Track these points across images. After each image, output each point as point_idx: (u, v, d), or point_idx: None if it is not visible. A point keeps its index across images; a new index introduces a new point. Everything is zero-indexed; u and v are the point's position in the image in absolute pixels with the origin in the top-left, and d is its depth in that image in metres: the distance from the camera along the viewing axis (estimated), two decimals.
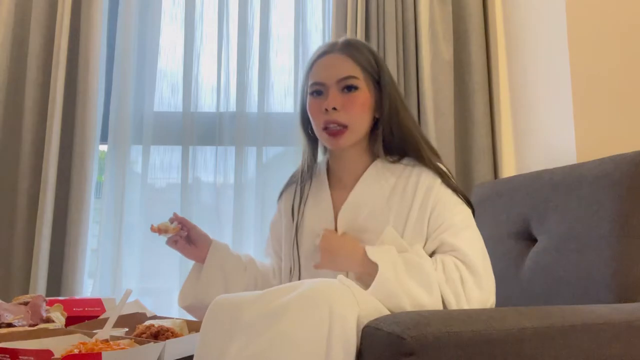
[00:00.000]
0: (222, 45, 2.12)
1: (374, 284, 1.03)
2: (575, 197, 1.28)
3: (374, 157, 1.25)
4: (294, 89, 2.12)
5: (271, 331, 0.88)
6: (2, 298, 1.41)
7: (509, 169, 1.92)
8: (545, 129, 1.66)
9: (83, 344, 1.07)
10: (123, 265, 1.99)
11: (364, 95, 1.19)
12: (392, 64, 1.97)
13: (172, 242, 1.30)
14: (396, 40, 2.01)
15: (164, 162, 2.11)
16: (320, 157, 1.33)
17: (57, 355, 1.02)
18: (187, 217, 1.34)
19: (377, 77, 1.22)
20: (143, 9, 2.13)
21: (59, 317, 1.34)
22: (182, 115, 2.09)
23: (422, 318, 0.86)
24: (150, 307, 1.53)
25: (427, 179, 1.17)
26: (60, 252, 1.94)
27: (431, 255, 1.12)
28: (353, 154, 1.24)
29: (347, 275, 1.14)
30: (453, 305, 1.04)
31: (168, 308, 1.95)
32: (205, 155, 2.11)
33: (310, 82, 1.22)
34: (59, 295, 1.88)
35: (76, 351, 1.02)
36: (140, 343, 1.11)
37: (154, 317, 1.40)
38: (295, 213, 1.28)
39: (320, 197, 1.26)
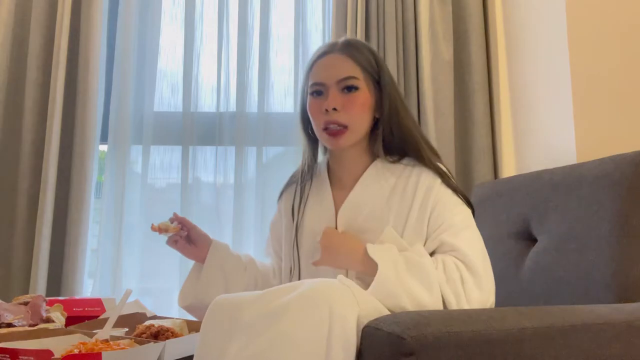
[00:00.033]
0: (222, 45, 2.12)
1: (374, 282, 1.03)
2: (575, 197, 1.27)
3: (374, 157, 1.24)
4: (294, 89, 2.12)
5: (271, 331, 0.88)
6: (2, 298, 1.41)
7: (509, 169, 1.92)
8: (545, 129, 1.66)
9: (83, 344, 1.07)
10: (123, 265, 1.99)
11: (364, 96, 1.19)
12: (392, 64, 1.97)
13: (172, 242, 1.31)
14: (396, 40, 2.01)
15: (164, 162, 2.11)
16: (321, 157, 1.33)
17: (57, 355, 1.02)
18: (187, 217, 1.33)
19: (377, 77, 1.22)
20: (143, 9, 2.13)
21: (59, 317, 1.34)
22: (182, 115, 2.09)
23: (422, 318, 0.86)
24: (150, 307, 1.53)
25: (427, 179, 1.17)
26: (60, 252, 1.94)
27: (431, 255, 1.12)
28: (353, 154, 1.24)
29: (347, 275, 1.15)
30: (453, 305, 1.04)
31: (168, 308, 1.95)
32: (205, 155, 2.11)
33: (310, 83, 1.22)
34: (59, 295, 1.88)
35: (76, 351, 1.02)
36: (140, 343, 1.11)
37: (154, 317, 1.40)
38: (296, 213, 1.28)
39: (321, 196, 1.26)
